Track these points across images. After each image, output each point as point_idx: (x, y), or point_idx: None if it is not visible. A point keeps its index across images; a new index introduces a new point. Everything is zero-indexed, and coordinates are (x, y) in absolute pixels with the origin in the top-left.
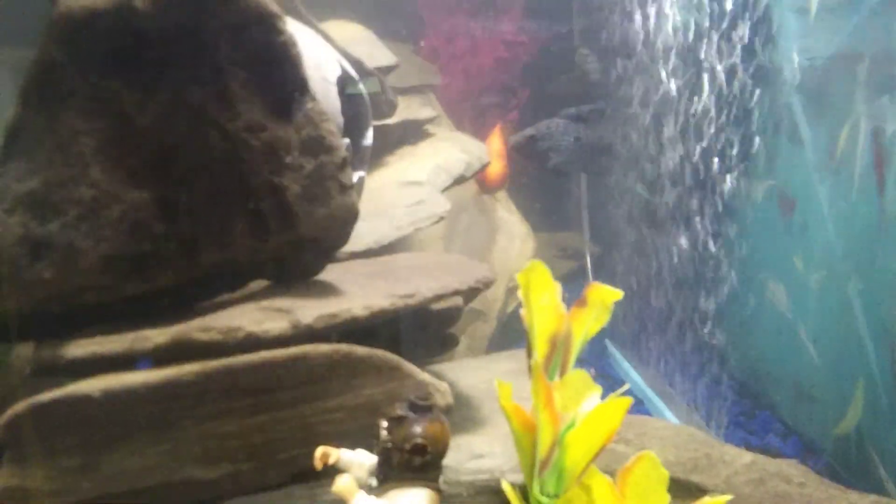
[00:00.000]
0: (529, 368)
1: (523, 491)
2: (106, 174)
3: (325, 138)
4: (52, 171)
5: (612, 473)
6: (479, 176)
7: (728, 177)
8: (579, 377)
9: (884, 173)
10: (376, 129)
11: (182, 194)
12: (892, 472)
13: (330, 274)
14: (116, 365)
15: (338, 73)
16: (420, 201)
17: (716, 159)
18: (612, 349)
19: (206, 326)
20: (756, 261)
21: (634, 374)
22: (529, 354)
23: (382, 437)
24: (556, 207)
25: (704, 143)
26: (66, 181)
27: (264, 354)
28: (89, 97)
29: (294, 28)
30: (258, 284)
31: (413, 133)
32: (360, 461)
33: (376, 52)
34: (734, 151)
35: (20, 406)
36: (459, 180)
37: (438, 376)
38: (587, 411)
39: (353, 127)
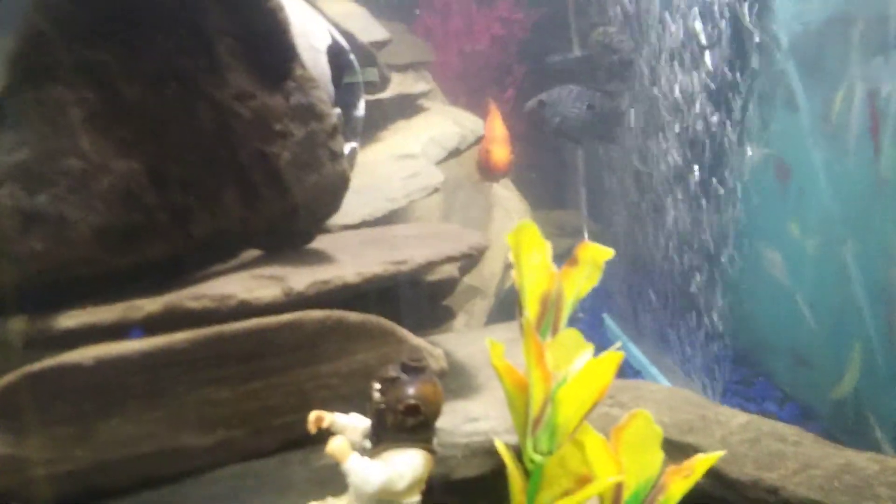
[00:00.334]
0: (521, 328)
1: (517, 451)
2: (95, 145)
3: (314, 105)
4: (41, 142)
5: (607, 436)
6: (480, 163)
7: (724, 146)
8: (571, 336)
9: (879, 135)
10: (370, 103)
11: (172, 164)
12: (889, 434)
13: (322, 243)
14: (109, 335)
15: (327, 41)
16: (414, 174)
17: (712, 129)
18: (610, 323)
19: (198, 294)
20: (753, 229)
21: (633, 347)
22: (521, 314)
23: (375, 399)
24: (554, 185)
25: (700, 114)
26: (55, 153)
27: (256, 321)
28: (76, 68)
29: None
30: (250, 254)
31: (407, 107)
32: (353, 424)
33: (369, 27)
34: (730, 120)
35: (12, 376)
36: (454, 153)
37: (434, 345)
38: (579, 368)
39: (344, 97)
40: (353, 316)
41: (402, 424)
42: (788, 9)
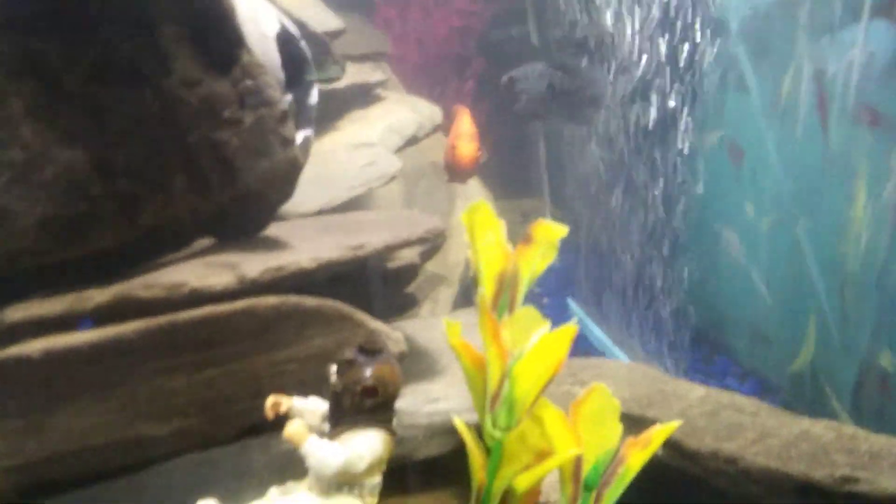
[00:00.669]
0: (477, 306)
1: (478, 429)
2: (37, 135)
3: (263, 91)
4: None
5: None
6: (447, 161)
7: (678, 130)
8: (528, 314)
9: (827, 114)
10: (325, 93)
11: (118, 153)
12: (846, 404)
13: (277, 230)
14: (57, 327)
15: (276, 28)
16: (371, 162)
17: (666, 114)
18: (574, 307)
19: (149, 284)
20: (709, 210)
21: (596, 330)
22: (477, 294)
23: (332, 381)
24: (517, 173)
25: (654, 99)
26: None
27: (209, 309)
28: (15, 57)
29: None
30: (203, 243)
31: (363, 97)
32: (312, 408)
33: (323, 16)
34: (684, 105)
35: None
36: (411, 141)
37: (395, 330)
38: (534, 343)
39: (296, 84)
40: (309, 301)
41: (360, 406)
42: None
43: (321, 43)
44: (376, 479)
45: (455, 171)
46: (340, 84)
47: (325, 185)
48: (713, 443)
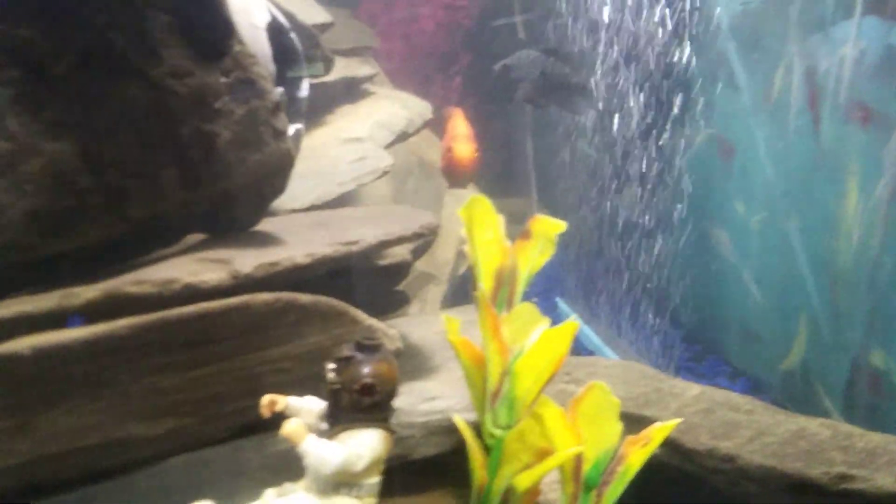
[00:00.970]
0: (476, 303)
1: (476, 428)
2: (23, 126)
3: (255, 82)
4: None
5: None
6: (445, 166)
7: (668, 129)
8: (527, 310)
9: (819, 111)
10: (314, 87)
11: (106, 145)
12: (837, 402)
13: (269, 226)
14: (46, 324)
15: (267, 18)
16: (362, 157)
17: (655, 112)
18: (563, 306)
19: (140, 280)
20: (699, 209)
21: (586, 329)
22: (475, 290)
23: (330, 379)
24: (505, 172)
25: (643, 97)
26: None
27: (202, 305)
28: (1, 46)
29: None
30: (194, 239)
31: (352, 91)
32: (308, 407)
33: (310, 9)
34: (673, 103)
35: None
36: (401, 136)
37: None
38: (535, 339)
39: (286, 77)
40: (304, 297)
41: (358, 404)
42: None
43: (310, 35)
44: (374, 479)
45: (454, 175)
46: (329, 78)
47: (316, 180)
48: (710, 441)
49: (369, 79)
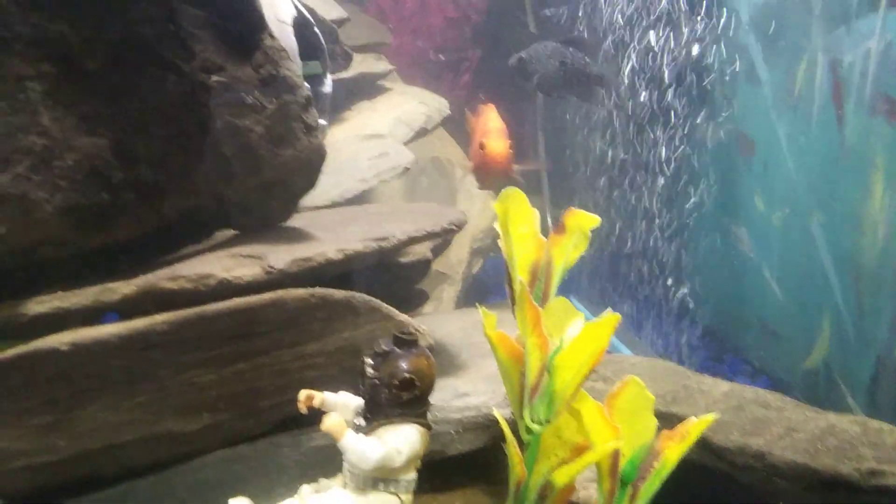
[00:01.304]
0: (511, 299)
1: (511, 423)
2: (57, 121)
3: (286, 77)
4: (0, 120)
5: None
6: (476, 164)
7: (686, 123)
8: (562, 304)
9: (843, 105)
10: (333, 82)
11: (139, 140)
12: (861, 401)
13: (299, 221)
14: (83, 320)
15: (292, 13)
16: (383, 153)
17: (673, 106)
18: (578, 305)
19: (175, 275)
20: (718, 204)
21: None
22: (510, 285)
23: (368, 374)
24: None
25: (662, 91)
26: (15, 130)
27: (238, 301)
28: (34, 41)
29: None
30: (224, 235)
31: (370, 87)
32: (344, 402)
33: (325, 6)
34: (692, 97)
35: None
36: (421, 133)
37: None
38: (575, 334)
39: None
40: (338, 293)
41: (397, 399)
42: None
43: (330, 31)
44: (412, 475)
45: (486, 174)
46: (347, 74)
47: (338, 176)
48: (740, 438)
49: (385, 75)
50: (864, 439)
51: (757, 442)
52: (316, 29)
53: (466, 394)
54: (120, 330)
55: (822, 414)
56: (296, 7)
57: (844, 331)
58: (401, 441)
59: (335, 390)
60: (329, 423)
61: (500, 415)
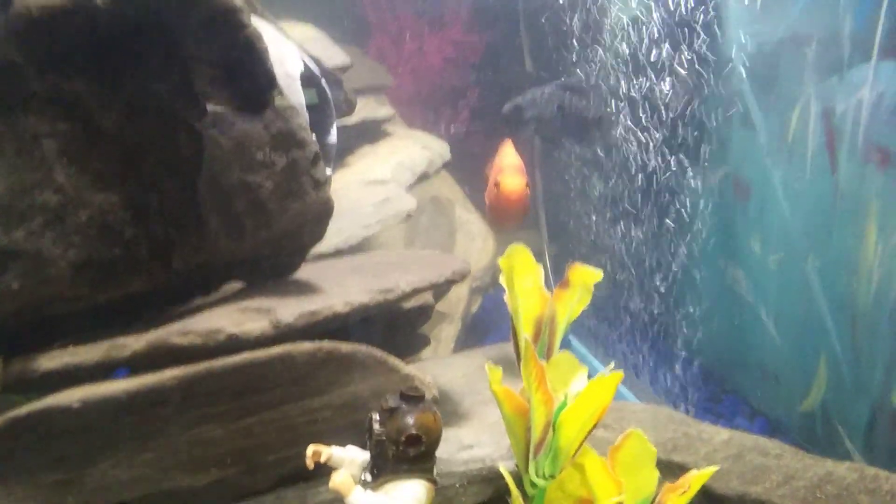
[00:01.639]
0: (516, 354)
1: (516, 477)
2: (71, 178)
3: (295, 133)
4: (15, 176)
5: None
6: (491, 204)
7: (682, 167)
8: (566, 359)
9: (836, 152)
10: (337, 129)
11: (152, 196)
12: (859, 444)
13: (305, 272)
14: (93, 375)
15: (300, 68)
16: (386, 199)
17: (669, 150)
18: (578, 345)
19: (185, 330)
20: (715, 247)
21: (601, 368)
22: (515, 339)
23: (375, 430)
24: None
25: (658, 135)
26: (30, 187)
27: (246, 356)
28: (50, 99)
29: (256, 23)
30: (232, 286)
31: (372, 132)
32: (351, 457)
33: (330, 52)
34: (687, 141)
35: None
36: (423, 177)
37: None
38: (579, 390)
39: (316, 124)
40: (344, 346)
41: (404, 455)
42: (742, 30)
43: (336, 81)
44: None
45: (502, 214)
46: (351, 119)
47: (341, 222)
48: (740, 486)
49: (387, 120)
50: (861, 486)
51: (756, 490)
52: (323, 82)
53: (471, 446)
54: (129, 386)
55: (820, 461)
56: (304, 62)
57: (841, 374)
58: (408, 497)
59: (342, 443)
60: (337, 480)
61: (506, 469)
